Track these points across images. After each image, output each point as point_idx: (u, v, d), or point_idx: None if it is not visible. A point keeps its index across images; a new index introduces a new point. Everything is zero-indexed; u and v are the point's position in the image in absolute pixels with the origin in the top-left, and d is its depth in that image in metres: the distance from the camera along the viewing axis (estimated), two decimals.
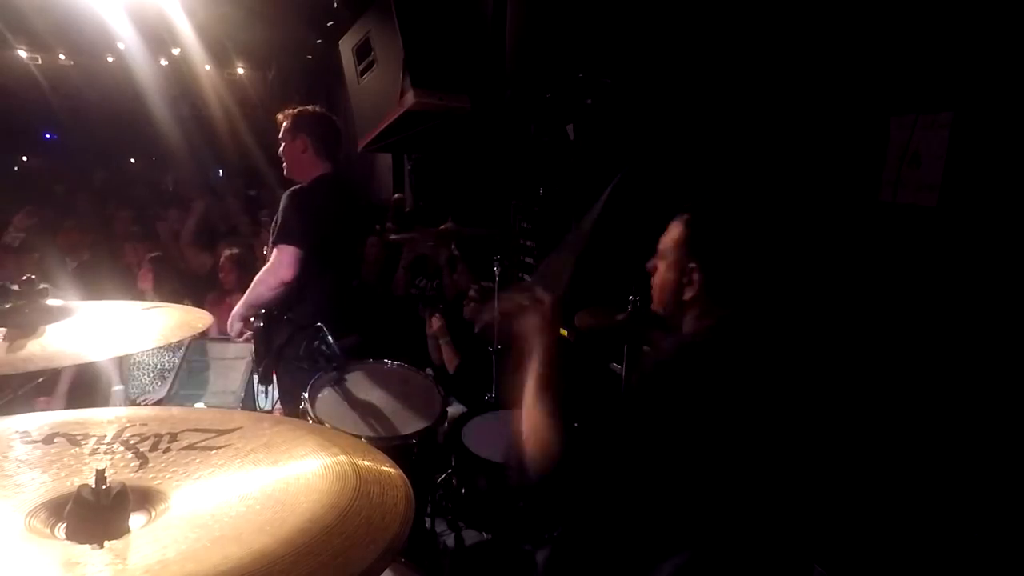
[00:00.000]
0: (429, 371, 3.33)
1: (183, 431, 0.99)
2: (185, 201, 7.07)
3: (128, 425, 1.01)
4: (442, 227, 3.50)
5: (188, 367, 3.60)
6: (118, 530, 0.75)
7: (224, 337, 3.56)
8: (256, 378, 3.44)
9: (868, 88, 1.94)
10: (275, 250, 2.79)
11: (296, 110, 2.96)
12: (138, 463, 0.90)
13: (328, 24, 5.42)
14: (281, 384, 2.89)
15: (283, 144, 2.96)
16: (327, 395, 2.29)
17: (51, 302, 1.27)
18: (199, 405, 3.44)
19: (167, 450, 0.94)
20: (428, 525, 2.45)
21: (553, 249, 3.55)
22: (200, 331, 1.37)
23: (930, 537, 1.77)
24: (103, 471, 0.77)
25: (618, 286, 2.51)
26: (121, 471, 0.88)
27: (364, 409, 2.25)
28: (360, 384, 2.37)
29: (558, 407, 1.33)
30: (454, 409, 2.85)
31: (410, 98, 3.64)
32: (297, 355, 2.72)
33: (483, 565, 2.42)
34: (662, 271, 1.44)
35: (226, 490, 0.84)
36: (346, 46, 4.32)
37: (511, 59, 3.95)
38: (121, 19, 5.77)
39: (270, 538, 0.72)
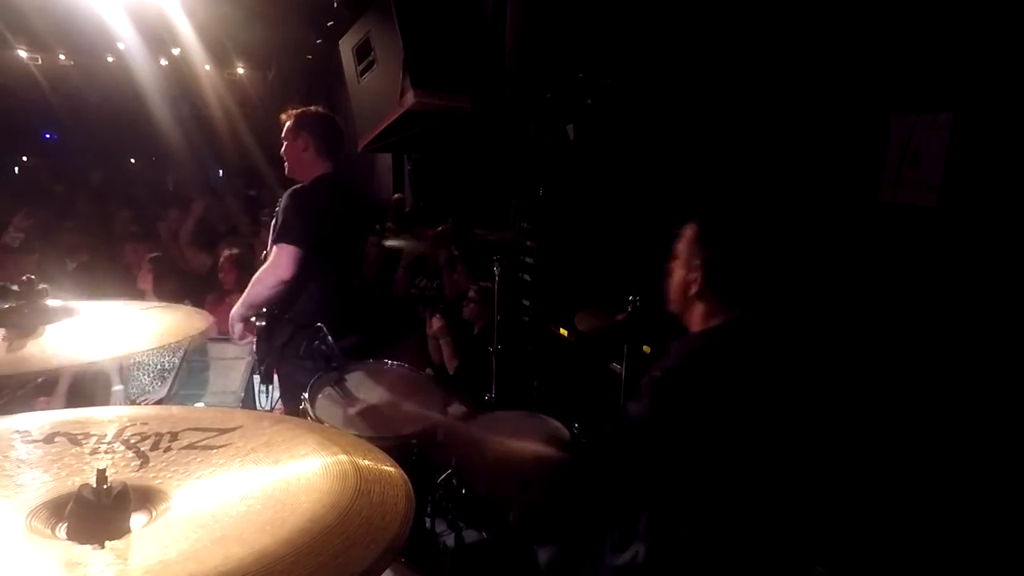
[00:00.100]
0: (429, 371, 3.33)
1: (184, 430, 0.99)
2: (185, 201, 7.07)
3: (129, 424, 1.01)
4: (440, 228, 3.51)
5: (188, 367, 3.60)
6: (119, 530, 0.75)
7: (224, 337, 3.56)
8: (256, 378, 3.44)
9: (868, 88, 1.94)
10: (274, 249, 2.80)
11: (299, 110, 2.99)
12: (139, 462, 0.90)
13: (328, 24, 5.42)
14: (282, 384, 2.89)
15: (285, 143, 2.97)
16: (327, 395, 2.28)
17: (51, 302, 1.27)
18: (199, 405, 3.44)
19: (168, 449, 0.94)
20: (428, 525, 2.44)
21: (553, 249, 3.56)
22: (200, 333, 1.37)
23: (931, 538, 1.77)
24: (104, 471, 0.77)
25: (618, 286, 2.51)
26: (122, 471, 0.88)
27: (364, 409, 2.24)
28: (360, 384, 2.37)
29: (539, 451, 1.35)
30: (454, 409, 2.84)
31: (410, 98, 3.64)
32: (298, 354, 2.72)
33: (483, 565, 2.41)
34: (675, 270, 1.47)
35: (227, 489, 0.84)
36: (346, 46, 4.32)
37: (511, 59, 3.95)
38: (121, 19, 5.76)
39: (271, 538, 0.72)
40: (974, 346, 1.69)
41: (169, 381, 3.56)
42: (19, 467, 0.87)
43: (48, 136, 12.40)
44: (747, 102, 2.36)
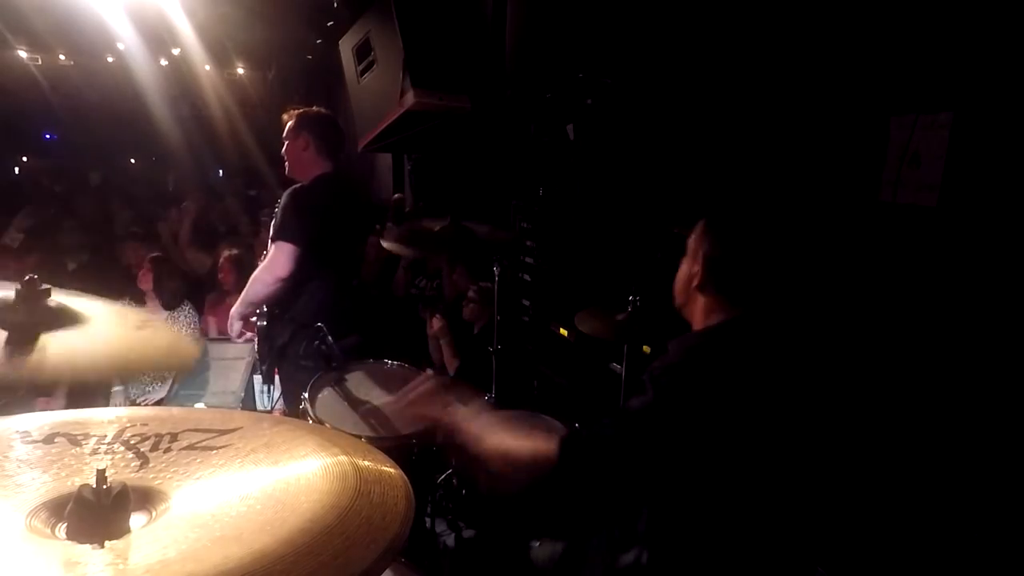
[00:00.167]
0: (429, 371, 3.33)
1: (183, 431, 0.99)
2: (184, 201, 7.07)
3: (128, 425, 1.01)
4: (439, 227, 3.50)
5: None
6: (119, 530, 0.75)
7: (224, 337, 3.57)
8: (256, 378, 3.44)
9: (868, 88, 1.94)
10: (273, 246, 2.81)
11: (301, 110, 3.01)
12: (139, 463, 0.90)
13: (328, 24, 5.41)
14: (283, 384, 2.89)
15: (286, 143, 2.98)
16: (327, 395, 2.29)
17: (51, 303, 1.26)
18: (199, 405, 3.45)
19: (168, 450, 0.94)
20: (428, 525, 2.45)
21: (553, 249, 3.56)
22: (188, 364, 1.38)
23: (931, 539, 1.77)
24: (104, 471, 0.77)
25: (618, 286, 2.51)
26: (122, 471, 0.88)
27: (364, 409, 2.25)
28: (360, 384, 2.37)
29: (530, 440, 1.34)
30: (455, 408, 2.84)
31: (410, 98, 3.64)
32: (298, 354, 2.72)
33: (483, 565, 2.41)
34: (682, 264, 1.49)
35: (227, 490, 0.84)
36: (346, 46, 4.32)
37: (511, 59, 3.95)
38: (121, 19, 5.76)
39: (271, 538, 0.72)
40: (974, 346, 1.69)
41: (169, 381, 3.56)
42: (19, 467, 0.87)
43: (48, 136, 12.40)
44: (747, 102, 2.36)
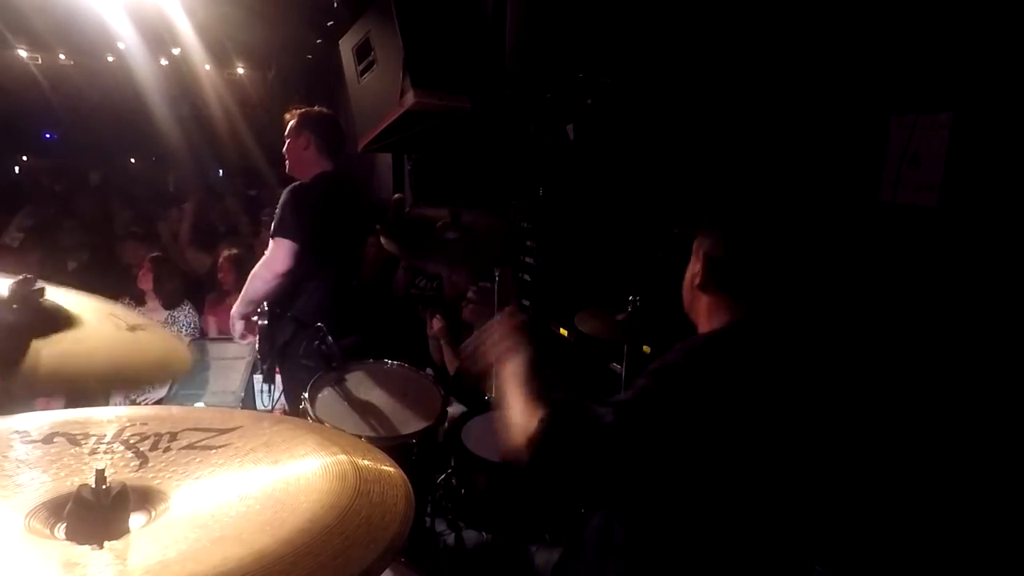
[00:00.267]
0: (429, 371, 3.33)
1: (183, 430, 0.99)
2: (185, 201, 7.07)
3: (128, 424, 1.01)
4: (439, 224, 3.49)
5: None
6: (118, 530, 0.75)
7: (224, 337, 3.57)
8: (256, 378, 3.44)
9: (868, 88, 1.94)
10: (271, 243, 2.82)
11: (303, 109, 3.05)
12: (138, 463, 0.90)
13: (328, 24, 5.41)
14: (285, 383, 2.90)
15: (287, 141, 3.00)
16: (327, 395, 2.29)
17: (45, 303, 1.26)
18: (199, 405, 3.44)
19: (167, 449, 0.94)
20: (428, 525, 2.44)
21: (553, 249, 3.55)
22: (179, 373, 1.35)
23: (931, 539, 1.77)
24: (103, 471, 0.77)
25: (618, 286, 2.51)
26: (121, 471, 0.88)
27: (364, 409, 2.25)
28: (360, 384, 2.37)
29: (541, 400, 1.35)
30: (454, 409, 2.85)
31: (410, 98, 3.64)
32: (299, 353, 2.73)
33: (483, 565, 2.41)
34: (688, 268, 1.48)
35: (226, 490, 0.84)
36: (346, 46, 4.31)
37: (511, 59, 3.95)
38: (121, 19, 5.76)
39: (270, 538, 0.72)
40: (974, 346, 1.69)
41: (169, 381, 3.56)
42: (18, 467, 0.87)
43: (48, 136, 12.39)
44: (747, 102, 2.36)
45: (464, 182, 4.57)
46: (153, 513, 0.79)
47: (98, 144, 11.00)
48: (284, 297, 2.86)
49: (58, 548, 0.72)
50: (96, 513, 0.75)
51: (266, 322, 2.84)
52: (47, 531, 0.76)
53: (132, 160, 12.88)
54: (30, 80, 9.06)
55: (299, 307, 2.86)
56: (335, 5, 5.07)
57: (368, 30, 4.05)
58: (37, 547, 0.72)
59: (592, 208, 3.28)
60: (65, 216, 6.57)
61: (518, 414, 1.33)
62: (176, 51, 7.45)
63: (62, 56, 8.67)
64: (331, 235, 2.89)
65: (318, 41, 6.25)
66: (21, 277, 1.19)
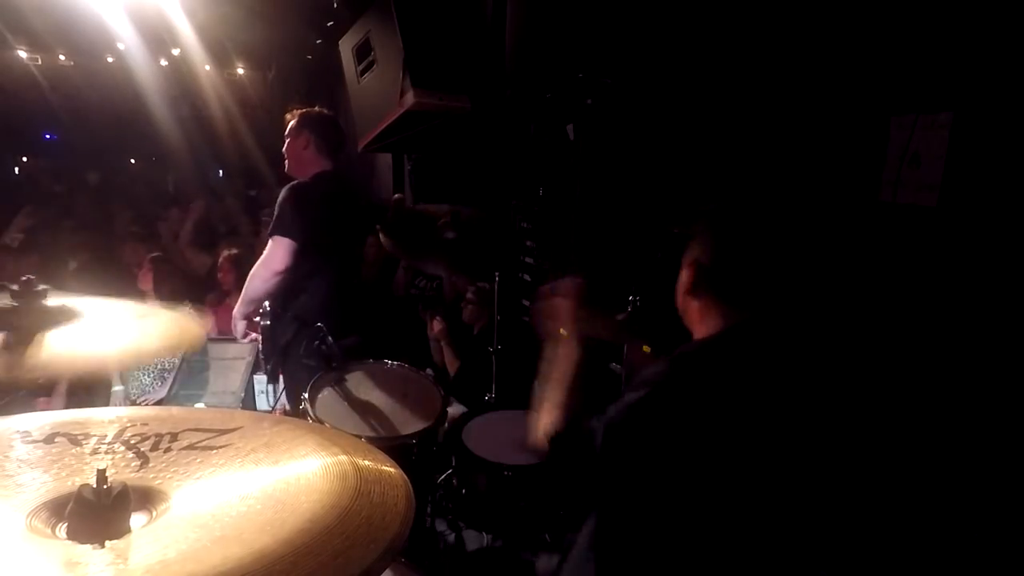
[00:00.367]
0: (429, 371, 3.33)
1: (184, 431, 0.99)
2: (185, 201, 7.08)
3: (129, 425, 1.01)
4: (440, 222, 3.50)
5: (188, 367, 3.60)
6: (119, 530, 0.75)
7: (224, 337, 3.57)
8: (256, 378, 3.44)
9: (868, 88, 1.94)
10: (270, 241, 2.82)
11: (303, 109, 3.06)
12: (139, 463, 0.90)
13: (328, 24, 5.42)
14: (287, 383, 2.90)
15: (287, 140, 3.01)
16: (327, 395, 2.29)
17: (50, 303, 1.26)
18: (199, 405, 3.44)
19: (168, 450, 0.94)
20: (428, 525, 2.45)
21: (553, 249, 3.55)
22: (197, 340, 1.33)
23: (935, 543, 1.77)
24: (104, 471, 0.77)
25: (618, 286, 2.51)
26: (122, 471, 0.88)
27: (364, 409, 2.25)
28: (360, 384, 2.37)
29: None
30: (454, 409, 2.85)
31: (410, 98, 3.64)
32: (300, 353, 2.73)
33: (483, 565, 2.41)
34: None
35: (227, 490, 0.84)
36: (346, 46, 4.32)
37: (511, 59, 3.95)
38: (121, 19, 5.76)
39: (270, 538, 0.72)
40: (974, 347, 1.69)
41: (169, 381, 3.56)
42: (19, 467, 0.87)
43: (48, 136, 12.40)
44: (747, 102, 2.36)
45: (464, 182, 4.57)
46: (154, 513, 0.80)
47: (98, 144, 11.00)
48: (285, 296, 2.86)
49: (59, 547, 0.72)
50: (97, 513, 0.75)
51: (268, 322, 2.84)
52: (48, 531, 0.76)
53: (132, 160, 12.88)
54: (30, 81, 9.07)
55: (301, 306, 2.86)
56: (335, 5, 5.08)
57: (368, 30, 4.06)
58: (39, 546, 0.72)
59: (592, 208, 3.28)
60: (65, 216, 6.57)
61: (547, 408, 1.33)
62: (176, 51, 7.46)
63: (62, 57, 8.68)
64: (330, 234, 2.89)
65: (318, 41, 6.25)
66: (24, 279, 1.19)
